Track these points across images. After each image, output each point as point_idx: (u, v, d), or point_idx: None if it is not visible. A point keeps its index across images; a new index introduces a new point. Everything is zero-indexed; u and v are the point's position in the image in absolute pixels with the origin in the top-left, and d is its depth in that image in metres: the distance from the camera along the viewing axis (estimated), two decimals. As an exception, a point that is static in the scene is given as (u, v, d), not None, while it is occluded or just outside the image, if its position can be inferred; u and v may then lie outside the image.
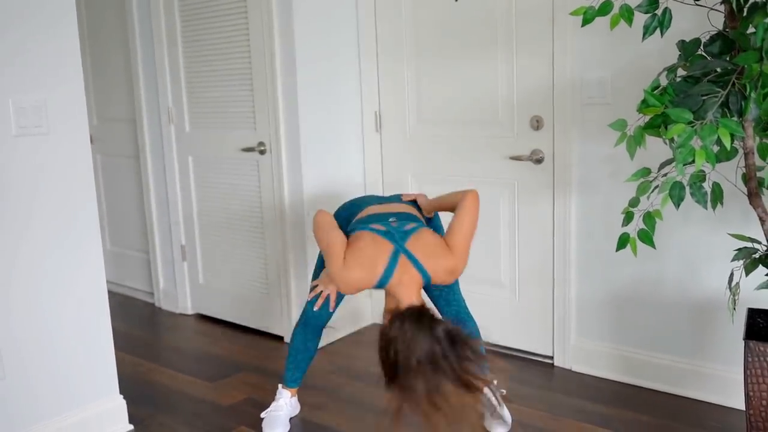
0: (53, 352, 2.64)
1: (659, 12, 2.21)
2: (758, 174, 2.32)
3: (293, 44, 3.53)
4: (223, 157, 4.02)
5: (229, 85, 3.89)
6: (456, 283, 2.73)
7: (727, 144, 1.93)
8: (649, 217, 2.32)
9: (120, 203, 4.88)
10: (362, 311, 4.05)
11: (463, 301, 2.76)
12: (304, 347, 2.78)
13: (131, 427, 2.92)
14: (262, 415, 2.87)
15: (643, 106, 2.09)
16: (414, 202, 2.70)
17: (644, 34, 2.23)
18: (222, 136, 3.99)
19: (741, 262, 2.33)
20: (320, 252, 2.71)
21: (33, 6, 2.48)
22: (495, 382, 2.83)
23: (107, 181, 4.90)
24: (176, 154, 4.28)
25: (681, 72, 2.34)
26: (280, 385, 2.89)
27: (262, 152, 3.77)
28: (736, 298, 2.31)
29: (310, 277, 3.69)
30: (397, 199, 2.72)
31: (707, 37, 2.22)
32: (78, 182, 2.67)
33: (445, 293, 2.72)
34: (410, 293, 2.14)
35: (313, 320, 2.75)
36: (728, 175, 2.55)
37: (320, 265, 2.74)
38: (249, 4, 3.66)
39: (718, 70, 2.06)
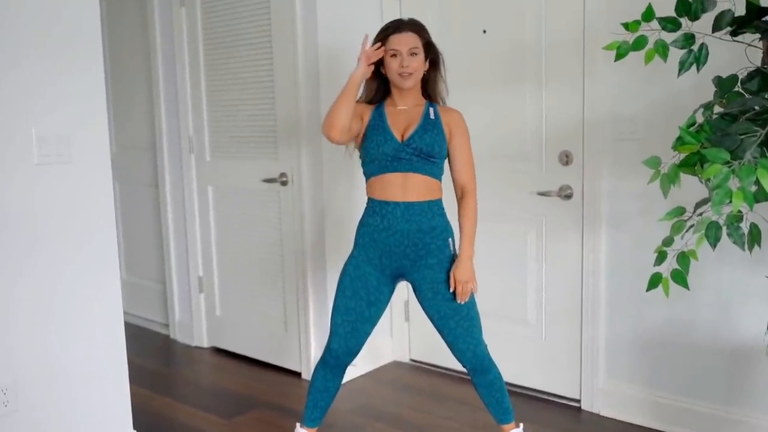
0: (67, 385, 2.65)
1: (695, 47, 2.21)
2: (798, 215, 2.30)
3: (317, 75, 3.57)
4: (243, 188, 4.05)
5: (251, 114, 3.94)
6: (478, 330, 2.67)
7: (766, 185, 1.92)
8: (684, 258, 2.30)
9: (137, 232, 4.92)
10: (382, 349, 4.03)
11: (486, 348, 2.69)
12: (324, 387, 2.74)
13: (144, 464, 2.92)
14: (279, 454, 2.84)
15: (679, 143, 2.09)
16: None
17: (680, 70, 2.23)
18: (243, 166, 4.03)
19: (780, 306, 2.30)
20: (337, 286, 2.71)
21: (58, 35, 2.53)
22: (521, 426, 2.81)
23: (125, 209, 4.94)
24: (196, 184, 4.32)
25: (718, 109, 2.33)
26: (297, 424, 2.86)
27: (283, 183, 3.79)
28: (775, 343, 2.28)
29: (330, 312, 3.70)
30: None
31: (745, 74, 2.22)
32: (98, 212, 2.69)
33: (473, 347, 2.63)
34: None
35: (334, 359, 2.71)
36: (766, 215, 2.53)
37: (340, 297, 2.68)
38: (273, 33, 3.71)
39: (757, 108, 2.05)
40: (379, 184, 2.63)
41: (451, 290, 2.59)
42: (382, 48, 2.61)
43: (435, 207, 2.63)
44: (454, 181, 2.71)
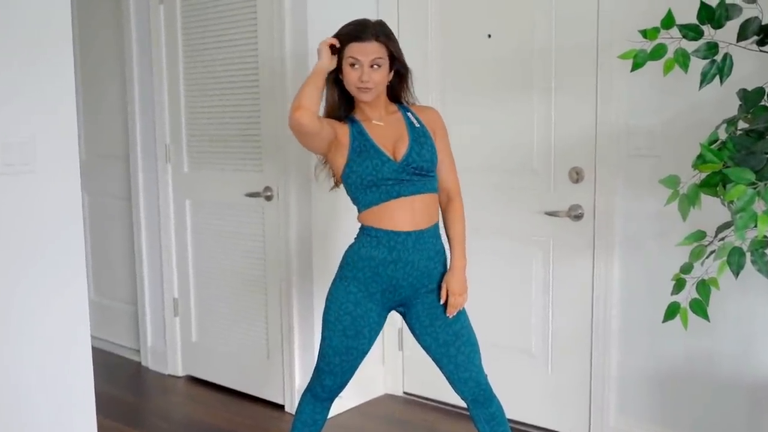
0: (27, 415, 2.62)
1: (719, 58, 2.21)
2: (828, 241, 2.30)
3: (307, 80, 3.57)
4: (224, 202, 4.04)
5: (234, 122, 3.93)
6: (479, 357, 2.66)
7: (795, 208, 1.92)
8: (704, 286, 2.29)
9: (107, 248, 4.89)
10: (374, 381, 4.01)
11: (485, 378, 2.68)
12: (312, 420, 2.73)
13: (110, 504, 2.89)
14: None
15: (700, 162, 2.08)
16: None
17: (702, 82, 2.23)
18: (224, 179, 4.02)
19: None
20: (323, 322, 2.67)
21: (26, 35, 2.51)
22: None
23: (94, 223, 4.91)
24: (172, 197, 4.31)
25: (742, 125, 2.33)
26: (280, 461, 2.85)
27: (268, 198, 3.78)
28: (803, 381, 2.27)
29: (317, 342, 3.67)
30: None
31: (772, 87, 2.23)
32: (65, 226, 2.67)
33: (475, 374, 2.62)
34: None
35: (327, 393, 2.70)
36: (793, 240, 2.53)
37: (339, 337, 2.60)
38: (259, 34, 3.71)
39: (785, 124, 2.06)
40: (385, 212, 2.54)
41: (442, 302, 2.59)
42: (337, 42, 2.53)
43: (437, 229, 2.64)
44: (439, 185, 2.68)
